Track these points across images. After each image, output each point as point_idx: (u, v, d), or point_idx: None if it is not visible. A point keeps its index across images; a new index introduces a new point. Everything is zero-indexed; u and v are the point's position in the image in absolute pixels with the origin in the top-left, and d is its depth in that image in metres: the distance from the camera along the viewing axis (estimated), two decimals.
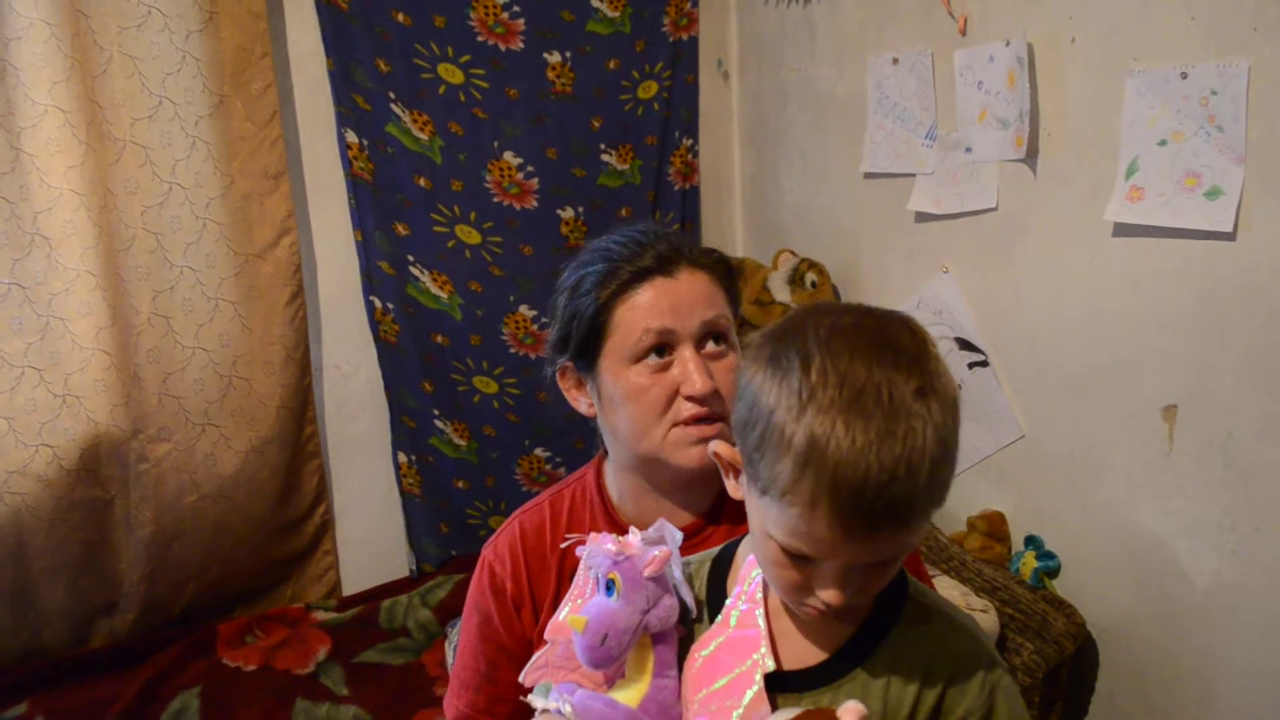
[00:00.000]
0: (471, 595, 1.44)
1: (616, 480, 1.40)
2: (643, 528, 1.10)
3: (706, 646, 1.05)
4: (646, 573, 1.03)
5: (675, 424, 1.28)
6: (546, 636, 1.10)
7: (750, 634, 1.02)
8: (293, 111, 2.76)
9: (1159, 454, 1.88)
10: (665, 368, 1.28)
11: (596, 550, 1.07)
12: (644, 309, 1.29)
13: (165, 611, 2.74)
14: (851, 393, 0.85)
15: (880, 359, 0.87)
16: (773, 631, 1.03)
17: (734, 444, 0.99)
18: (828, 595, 0.93)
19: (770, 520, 0.92)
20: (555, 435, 3.10)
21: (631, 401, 1.30)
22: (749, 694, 0.99)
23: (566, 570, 1.36)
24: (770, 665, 0.99)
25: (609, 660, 1.02)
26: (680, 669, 1.06)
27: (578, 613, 1.04)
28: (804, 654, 1.02)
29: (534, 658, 1.11)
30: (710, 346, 1.29)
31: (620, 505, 1.39)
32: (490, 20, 2.82)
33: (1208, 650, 1.85)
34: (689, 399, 1.27)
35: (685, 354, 1.28)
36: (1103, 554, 2.04)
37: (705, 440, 1.25)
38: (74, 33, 2.36)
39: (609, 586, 1.04)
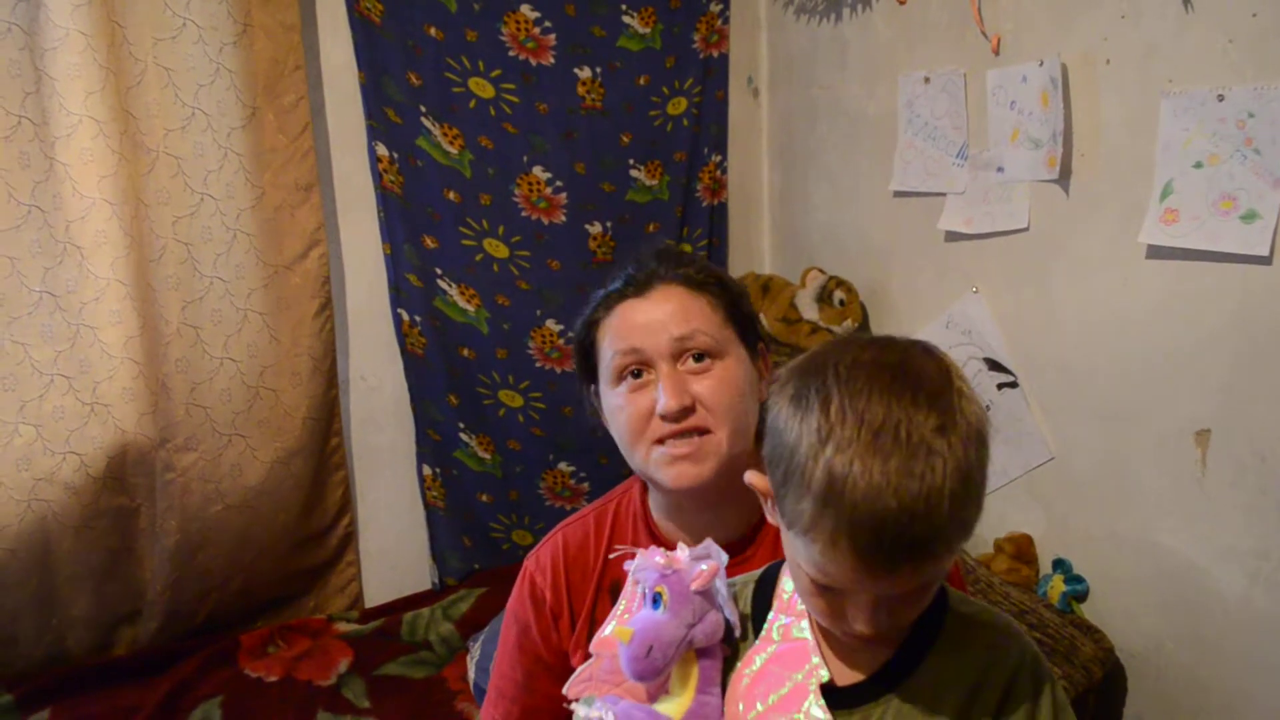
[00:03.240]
0: (511, 605, 1.45)
1: (653, 495, 1.41)
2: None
3: (752, 664, 1.04)
4: (694, 586, 1.04)
5: (654, 442, 1.29)
6: (592, 650, 1.10)
7: (798, 645, 1.02)
8: (324, 124, 2.77)
9: (1191, 478, 1.86)
10: (644, 387, 1.29)
11: (645, 564, 1.08)
12: (615, 331, 1.31)
13: (188, 620, 2.74)
14: (869, 432, 0.85)
15: (899, 396, 0.87)
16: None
17: (762, 470, 0.99)
18: (860, 626, 0.94)
19: (799, 553, 0.93)
20: (580, 450, 3.09)
21: (615, 421, 1.32)
22: (807, 705, 0.99)
23: (606, 583, 1.38)
24: (825, 675, 1.00)
25: (653, 673, 1.02)
26: (724, 688, 1.05)
27: (624, 625, 1.04)
28: (841, 673, 1.02)
29: (579, 670, 1.11)
30: (690, 364, 1.29)
31: (660, 521, 1.40)
32: (522, 35, 2.83)
33: (1238, 677, 1.83)
34: (661, 418, 1.27)
35: (660, 372, 1.28)
36: (1132, 578, 2.03)
37: (683, 458, 1.27)
38: (109, 44, 2.37)
39: (655, 600, 1.04)
